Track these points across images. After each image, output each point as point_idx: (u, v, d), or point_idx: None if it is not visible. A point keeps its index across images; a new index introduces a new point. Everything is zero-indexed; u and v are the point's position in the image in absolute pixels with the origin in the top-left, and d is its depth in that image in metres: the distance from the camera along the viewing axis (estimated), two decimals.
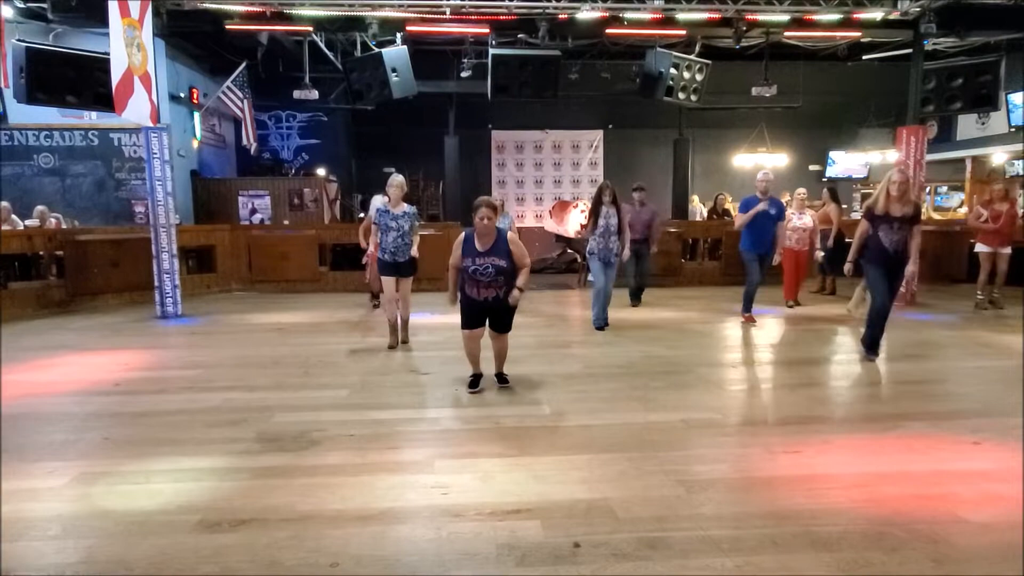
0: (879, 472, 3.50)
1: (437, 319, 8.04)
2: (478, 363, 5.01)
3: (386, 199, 8.47)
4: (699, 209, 14.69)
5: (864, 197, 16.00)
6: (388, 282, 6.42)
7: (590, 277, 11.71)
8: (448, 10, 9.35)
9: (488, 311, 4.75)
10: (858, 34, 10.06)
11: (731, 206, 14.15)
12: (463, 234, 4.70)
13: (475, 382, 5.01)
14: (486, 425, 4.25)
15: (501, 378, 5.06)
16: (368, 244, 8.61)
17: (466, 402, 4.74)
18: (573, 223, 13.39)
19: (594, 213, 7.20)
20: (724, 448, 3.84)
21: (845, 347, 6.48)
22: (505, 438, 4.02)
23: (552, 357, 6.10)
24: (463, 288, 4.68)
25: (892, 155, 13.62)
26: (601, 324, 7.30)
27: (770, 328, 7.45)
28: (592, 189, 16.44)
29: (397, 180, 6.36)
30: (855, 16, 9.46)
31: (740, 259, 7.67)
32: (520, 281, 4.64)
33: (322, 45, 11.22)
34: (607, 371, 5.60)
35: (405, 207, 6.35)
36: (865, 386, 5.15)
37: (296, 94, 11.65)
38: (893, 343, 6.49)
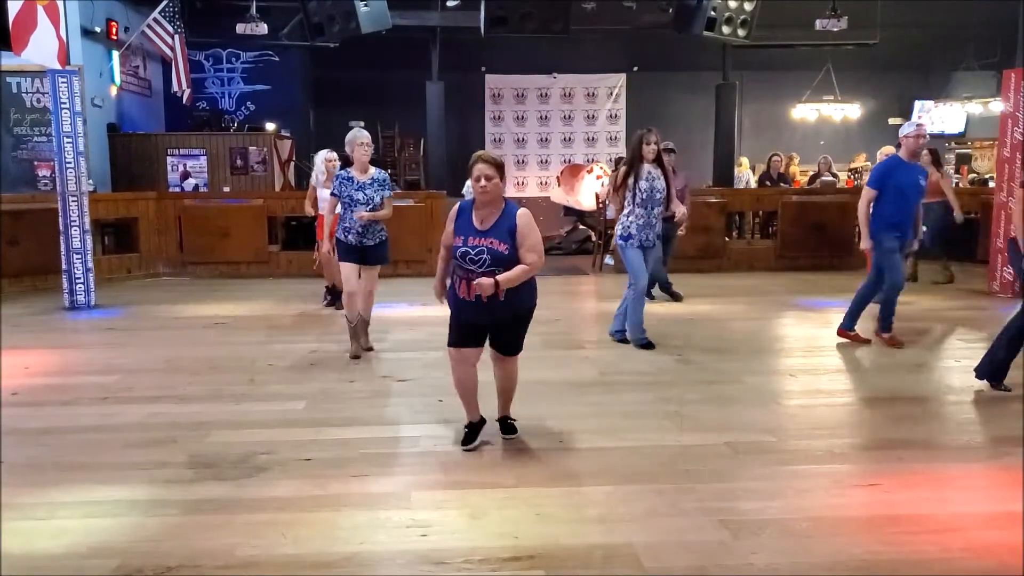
0: (980, 513, 3.47)
1: (417, 311, 8.02)
2: (474, 404, 4.27)
3: (330, 159, 8.17)
4: (747, 176, 14.63)
5: (960, 159, 15.92)
6: (349, 270, 6.14)
7: (608, 259, 11.81)
8: None
9: (485, 323, 4.08)
10: None
11: (796, 169, 14.12)
12: (459, 204, 4.23)
13: (471, 435, 4.24)
14: (477, 447, 4.22)
15: (505, 425, 4.38)
16: (313, 210, 8.40)
17: (452, 417, 4.70)
18: (586, 192, 13.35)
19: (630, 175, 6.25)
20: (780, 480, 3.81)
21: (937, 351, 6.44)
22: (500, 464, 3.99)
23: (560, 360, 6.08)
24: (452, 281, 4.15)
25: (996, 106, 13.53)
26: (645, 339, 6.46)
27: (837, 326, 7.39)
28: (612, 150, 16.56)
29: (363, 136, 6.13)
30: None
31: (876, 249, 6.44)
32: (505, 273, 3.86)
33: None
34: (630, 379, 5.57)
35: (374, 172, 6.16)
36: (962, 402, 5.12)
37: (240, 28, 11.55)
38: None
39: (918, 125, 6.43)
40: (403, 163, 15.41)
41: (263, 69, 14.90)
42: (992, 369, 5.19)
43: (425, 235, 10.33)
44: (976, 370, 5.28)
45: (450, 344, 4.14)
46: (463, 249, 3.94)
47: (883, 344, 6.49)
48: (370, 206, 6.02)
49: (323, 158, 8.20)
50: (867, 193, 6.45)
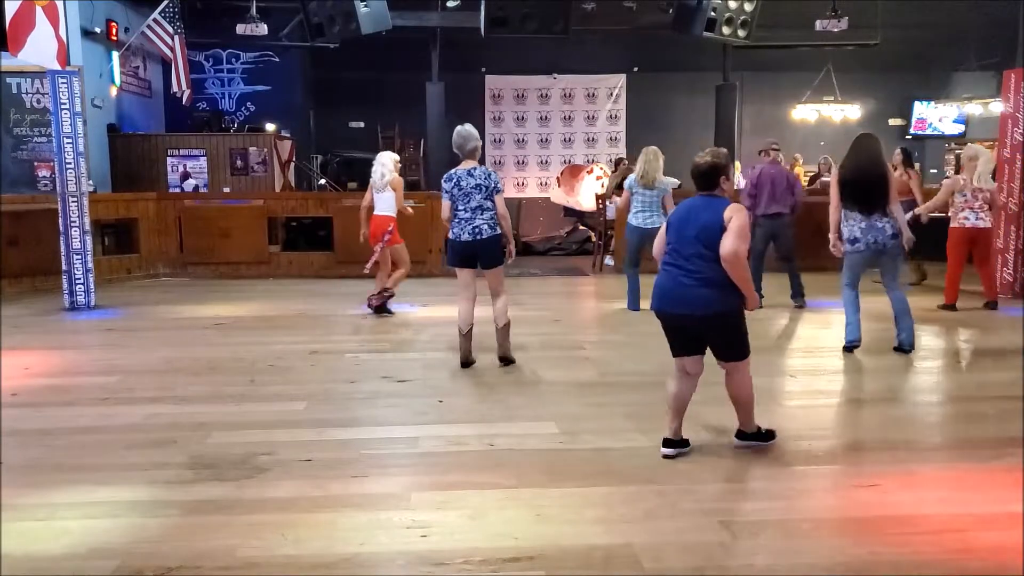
0: (979, 513, 3.46)
1: (419, 312, 8.01)
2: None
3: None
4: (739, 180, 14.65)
5: (960, 160, 15.92)
6: (460, 275, 5.88)
7: (608, 260, 11.79)
8: None
9: None
10: None
11: (801, 171, 14.12)
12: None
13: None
14: (477, 447, 4.22)
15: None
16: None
17: (452, 419, 4.71)
18: (587, 193, 13.36)
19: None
20: (780, 481, 3.80)
21: (936, 351, 6.44)
22: (501, 464, 3.98)
23: (560, 361, 6.07)
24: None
25: (996, 106, 13.53)
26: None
27: (839, 327, 7.39)
28: (612, 149, 16.57)
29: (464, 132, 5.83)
30: None
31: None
32: None
33: None
34: (630, 379, 5.56)
35: (470, 170, 5.75)
36: (962, 402, 5.12)
37: (240, 29, 11.55)
38: (998, 346, 6.46)
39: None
40: (404, 163, 15.41)
41: (263, 70, 14.89)
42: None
43: (426, 235, 10.32)
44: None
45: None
46: None
47: None
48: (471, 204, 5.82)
49: (385, 161, 7.98)
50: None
